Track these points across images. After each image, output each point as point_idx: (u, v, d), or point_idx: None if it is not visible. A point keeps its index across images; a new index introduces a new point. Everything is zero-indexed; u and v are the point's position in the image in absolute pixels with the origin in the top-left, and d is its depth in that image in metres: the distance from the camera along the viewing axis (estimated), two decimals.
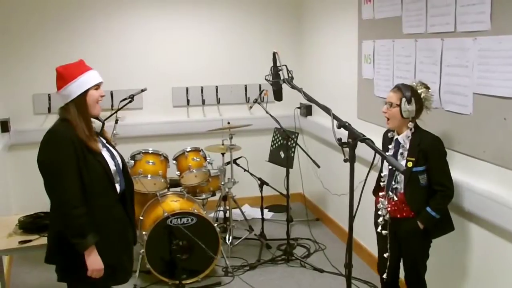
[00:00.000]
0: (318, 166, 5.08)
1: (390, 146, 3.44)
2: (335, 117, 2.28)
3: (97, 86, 2.96)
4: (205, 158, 5.22)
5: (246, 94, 6.41)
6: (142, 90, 5.36)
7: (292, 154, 5.42)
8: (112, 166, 2.96)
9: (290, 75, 2.87)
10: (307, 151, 5.42)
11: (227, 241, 5.29)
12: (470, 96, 3.31)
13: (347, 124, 2.24)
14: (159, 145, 5.31)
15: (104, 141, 3.08)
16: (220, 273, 4.82)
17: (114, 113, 5.09)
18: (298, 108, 6.07)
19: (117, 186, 3.00)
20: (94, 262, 2.85)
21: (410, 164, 3.27)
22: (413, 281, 3.49)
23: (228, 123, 5.31)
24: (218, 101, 6.34)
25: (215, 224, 4.74)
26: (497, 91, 3.08)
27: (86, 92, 2.90)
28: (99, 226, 2.86)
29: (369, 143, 2.24)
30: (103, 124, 3.08)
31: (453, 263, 3.65)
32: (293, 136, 5.38)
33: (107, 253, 2.91)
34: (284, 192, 5.23)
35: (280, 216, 6.15)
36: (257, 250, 5.27)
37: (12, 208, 5.58)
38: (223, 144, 5.38)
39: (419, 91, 3.32)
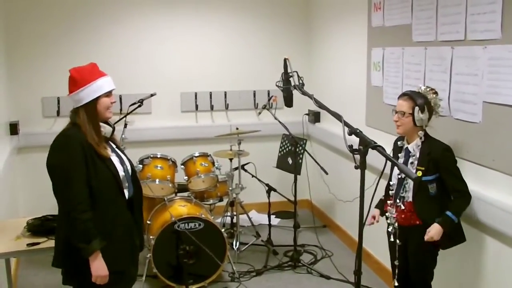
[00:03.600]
0: (326, 173, 5.07)
1: (400, 155, 3.43)
2: (346, 124, 2.28)
3: (109, 93, 2.93)
4: (213, 163, 5.23)
5: (254, 100, 6.42)
6: (152, 95, 5.39)
7: (300, 161, 5.42)
8: (121, 172, 2.95)
9: (301, 81, 2.87)
10: (315, 157, 5.41)
11: (234, 246, 5.29)
12: (479, 105, 3.31)
13: (358, 131, 2.24)
14: (168, 150, 5.33)
15: (114, 146, 3.07)
16: (227, 278, 4.82)
17: (123, 117, 5.12)
18: (306, 114, 6.08)
19: (126, 192, 2.99)
20: (98, 268, 2.82)
21: (419, 174, 3.25)
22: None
23: (237, 128, 5.32)
24: (227, 107, 6.35)
25: (222, 230, 4.73)
26: (506, 100, 3.07)
27: (97, 98, 2.87)
28: (106, 233, 2.85)
29: (380, 150, 2.23)
30: (114, 128, 3.05)
31: (463, 272, 3.63)
32: (301, 143, 5.38)
33: (113, 260, 2.89)
34: (292, 198, 5.23)
35: (287, 223, 6.14)
36: (263, 256, 5.26)
37: (20, 211, 5.60)
38: (231, 150, 5.39)
39: (428, 97, 3.31)
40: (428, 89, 3.35)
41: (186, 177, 5.15)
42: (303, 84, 2.85)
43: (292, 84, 2.96)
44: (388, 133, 4.32)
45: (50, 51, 5.77)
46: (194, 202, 4.89)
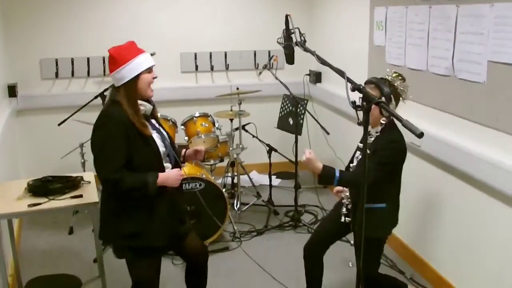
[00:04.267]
0: (328, 133, 5.05)
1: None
2: (349, 80, 2.23)
3: (149, 69, 2.95)
4: (213, 123, 5.21)
5: (255, 60, 6.35)
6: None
7: (301, 121, 5.39)
8: (161, 148, 2.99)
9: (302, 38, 2.82)
10: (316, 118, 5.38)
11: (235, 207, 5.31)
12: (484, 64, 3.26)
13: (361, 87, 2.19)
14: (168, 111, 5.29)
15: (155, 122, 3.09)
16: (228, 238, 4.85)
17: None
18: (307, 75, 6.02)
19: (167, 167, 3.02)
20: (168, 180, 2.93)
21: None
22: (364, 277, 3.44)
23: (237, 89, 5.27)
24: (227, 67, 6.29)
25: (223, 190, 4.74)
26: None
27: (138, 76, 2.88)
28: (149, 208, 2.91)
29: (384, 106, 2.19)
30: (154, 105, 3.07)
31: (463, 232, 3.65)
32: (302, 103, 5.34)
33: (159, 235, 2.95)
34: (292, 159, 5.22)
35: (288, 183, 6.16)
36: (264, 216, 5.29)
37: (21, 173, 5.60)
38: (231, 110, 5.36)
39: (395, 85, 3.14)
40: (395, 75, 3.20)
41: (187, 138, 5.14)
42: (305, 41, 2.79)
43: (294, 41, 2.90)
44: None
45: (48, 12, 5.67)
46: (194, 163, 4.88)
